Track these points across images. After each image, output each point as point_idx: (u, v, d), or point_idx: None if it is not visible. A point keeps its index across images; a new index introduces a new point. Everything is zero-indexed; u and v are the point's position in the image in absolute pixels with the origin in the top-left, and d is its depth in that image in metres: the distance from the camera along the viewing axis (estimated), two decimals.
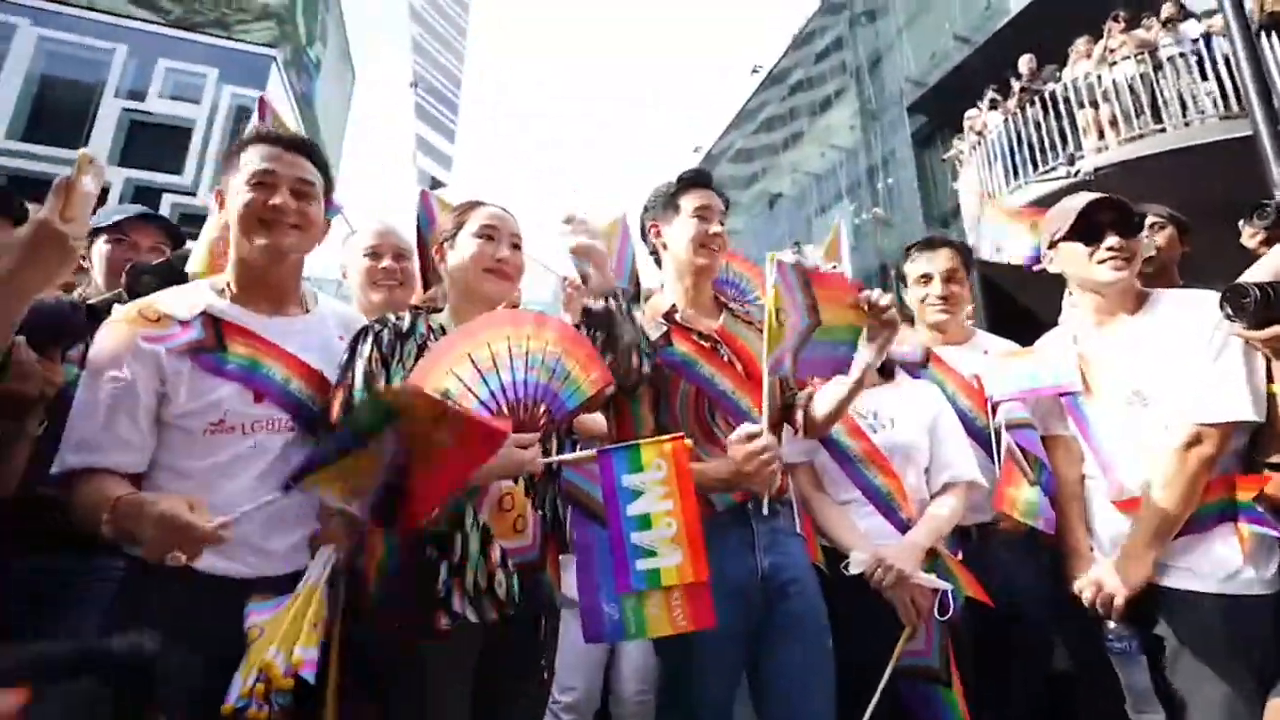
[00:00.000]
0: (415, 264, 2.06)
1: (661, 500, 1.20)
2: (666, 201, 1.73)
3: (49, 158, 17.42)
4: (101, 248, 1.96)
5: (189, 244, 2.17)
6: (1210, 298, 1.54)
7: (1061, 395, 1.71)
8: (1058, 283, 1.83)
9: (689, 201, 1.68)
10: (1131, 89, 6.47)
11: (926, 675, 1.62)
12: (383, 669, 1.24)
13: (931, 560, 1.65)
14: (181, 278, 1.61)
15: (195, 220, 2.10)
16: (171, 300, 1.29)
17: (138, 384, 1.19)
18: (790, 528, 1.60)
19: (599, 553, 1.26)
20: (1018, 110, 7.50)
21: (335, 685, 1.16)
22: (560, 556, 1.42)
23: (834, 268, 3.30)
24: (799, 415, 1.69)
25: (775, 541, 1.54)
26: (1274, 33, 5.38)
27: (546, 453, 1.34)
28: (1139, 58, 6.49)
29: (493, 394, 1.25)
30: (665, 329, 1.63)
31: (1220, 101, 6.00)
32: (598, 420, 1.76)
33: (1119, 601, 1.47)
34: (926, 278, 2.10)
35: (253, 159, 1.31)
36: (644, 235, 1.82)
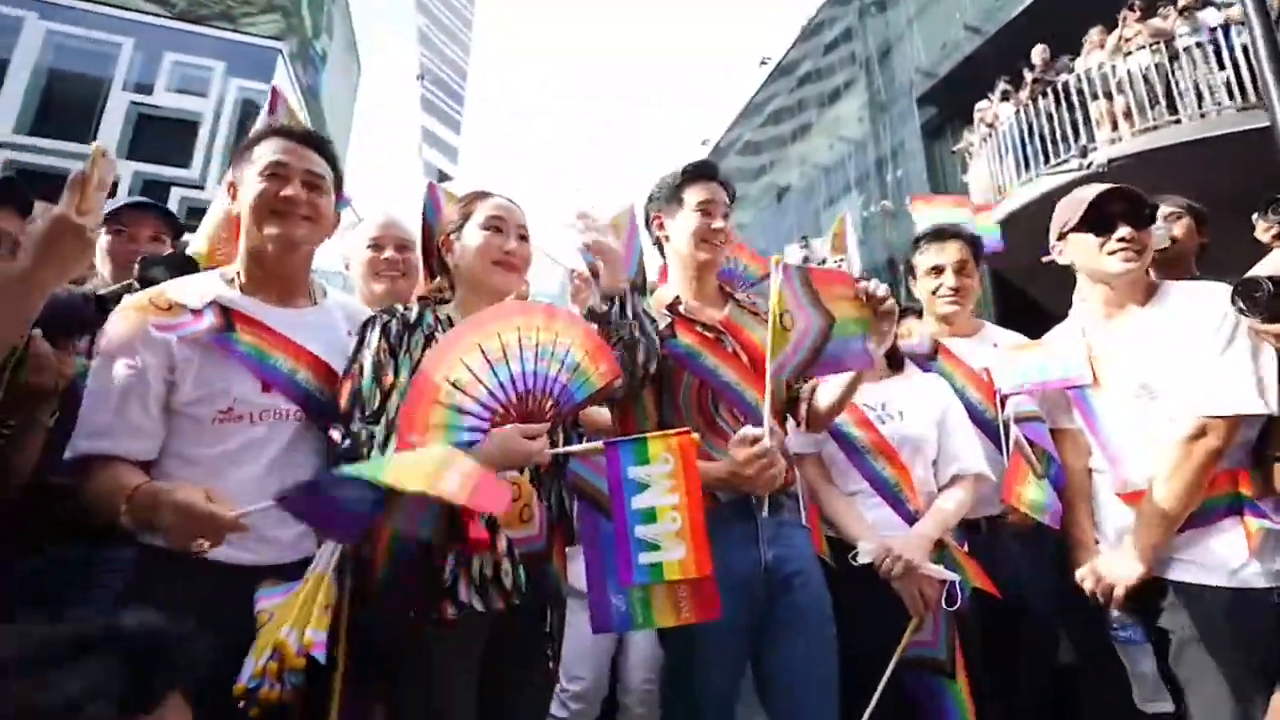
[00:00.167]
0: (418, 255, 2.06)
1: (667, 494, 1.20)
2: (670, 194, 1.72)
3: (57, 151, 17.52)
4: (102, 240, 1.98)
5: (187, 236, 2.18)
6: (1219, 290, 1.52)
7: (1071, 388, 1.69)
8: (1066, 275, 1.81)
9: (692, 195, 1.67)
10: (1146, 79, 6.38)
11: (932, 667, 1.62)
12: (389, 657, 1.25)
13: (939, 552, 1.64)
14: (192, 267, 1.61)
15: (202, 214, 2.11)
16: (182, 289, 1.30)
17: (149, 372, 1.20)
18: (795, 520, 1.60)
19: (605, 545, 1.27)
20: (1029, 101, 7.41)
21: (343, 669, 1.18)
22: (567, 548, 1.43)
23: (839, 262, 3.29)
24: (802, 408, 1.68)
25: (779, 534, 1.53)
26: None
27: (554, 444, 1.34)
28: (1154, 47, 6.40)
29: (501, 384, 1.25)
30: (669, 320, 1.62)
31: (1237, 92, 5.90)
32: (602, 413, 1.76)
33: (1119, 592, 1.47)
34: (938, 269, 2.08)
35: (266, 152, 1.34)
36: (648, 226, 1.81)
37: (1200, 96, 6.12)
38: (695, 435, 1.26)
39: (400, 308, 1.41)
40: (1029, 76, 7.66)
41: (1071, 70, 7.12)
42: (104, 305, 1.43)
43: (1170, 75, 6.29)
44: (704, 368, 1.58)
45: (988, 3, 11.31)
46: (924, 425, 1.80)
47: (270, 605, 1.11)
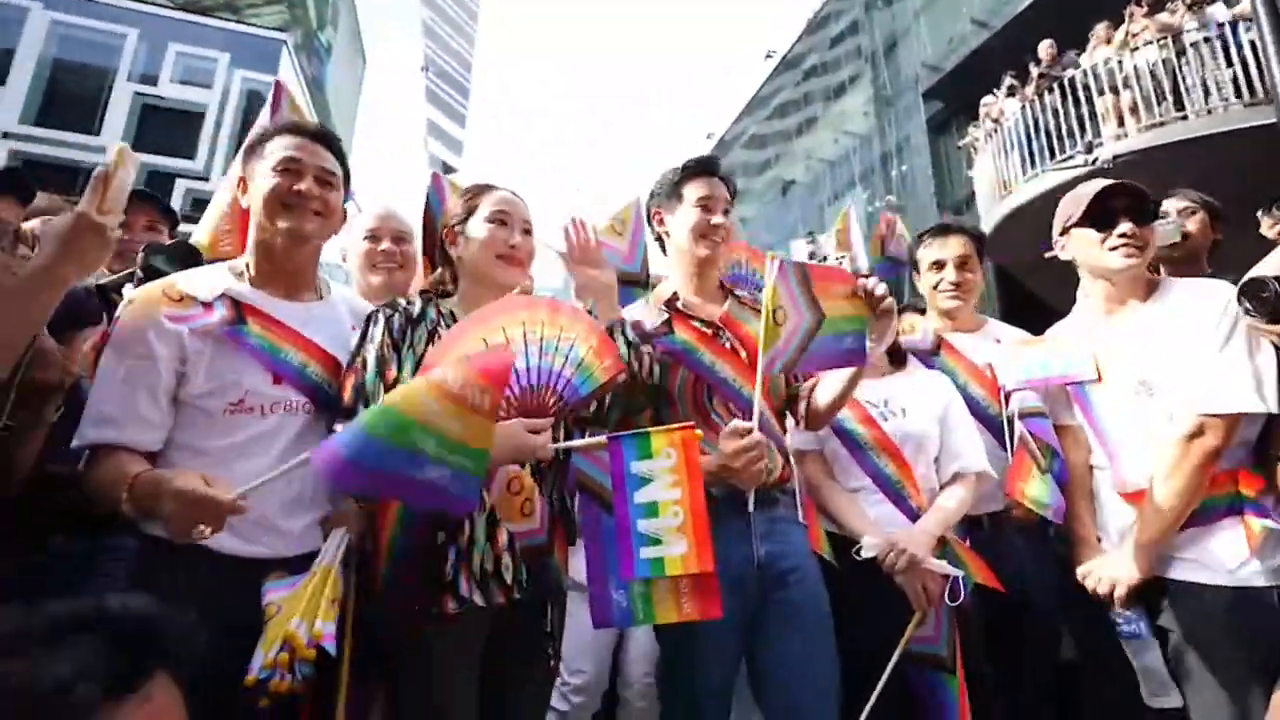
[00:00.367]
0: (415, 247, 2.06)
1: (669, 489, 1.20)
2: (670, 190, 1.72)
3: (63, 142, 17.55)
4: None
5: (189, 227, 2.19)
6: (1220, 287, 1.51)
7: (1075, 384, 1.69)
8: (1069, 272, 1.81)
9: (692, 190, 1.67)
10: (1153, 75, 6.33)
11: (934, 663, 1.63)
12: (391, 651, 1.26)
13: (941, 548, 1.65)
14: (195, 257, 1.62)
15: (206, 205, 2.11)
16: (193, 281, 1.31)
17: (160, 362, 1.21)
18: (791, 516, 1.60)
19: (607, 539, 1.27)
20: (1035, 97, 7.36)
21: (349, 661, 1.19)
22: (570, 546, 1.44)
23: (840, 259, 3.28)
24: (801, 406, 1.68)
25: (773, 530, 1.53)
26: None
27: (556, 439, 1.34)
28: (1161, 42, 6.34)
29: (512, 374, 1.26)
30: (666, 316, 1.62)
31: (1245, 88, 5.86)
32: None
33: (1120, 592, 1.47)
34: (939, 264, 2.08)
35: (279, 147, 1.35)
36: (649, 221, 1.81)
37: (1207, 92, 6.07)
38: (699, 432, 1.27)
39: (403, 302, 1.41)
40: (1035, 71, 7.61)
41: (1078, 65, 7.07)
42: (105, 294, 1.44)
43: (1177, 71, 6.23)
44: (700, 363, 1.58)
45: None
46: (926, 422, 1.80)
47: (278, 598, 1.13)
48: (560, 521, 1.40)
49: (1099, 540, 1.62)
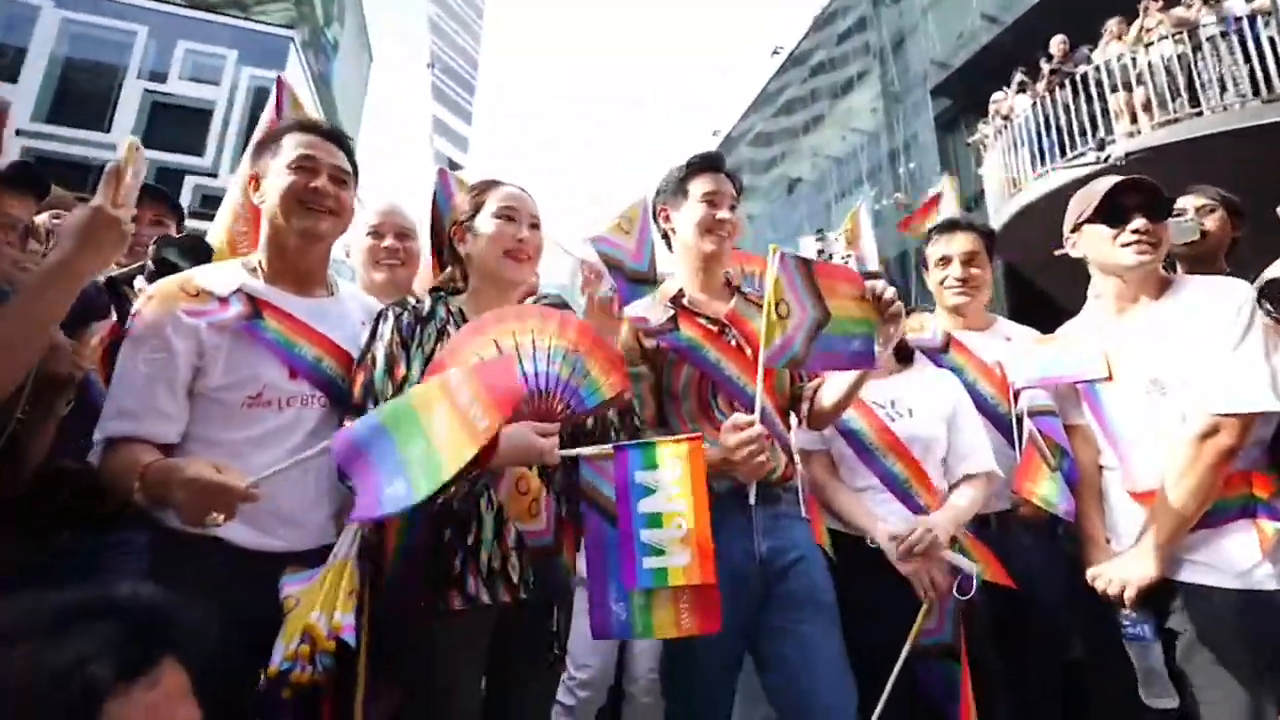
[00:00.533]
0: (418, 243, 2.06)
1: (673, 500, 1.20)
2: (676, 186, 1.71)
3: (74, 139, 17.69)
4: None
5: (202, 225, 2.19)
6: (1235, 284, 1.49)
7: (1085, 383, 1.68)
8: (1079, 270, 1.79)
9: (698, 186, 1.66)
10: (1168, 70, 6.26)
11: (941, 653, 1.62)
12: (398, 645, 1.27)
13: (953, 542, 1.64)
14: (205, 250, 1.63)
15: (215, 202, 2.12)
16: (209, 277, 1.33)
17: (178, 356, 1.22)
18: (794, 513, 1.59)
19: (609, 550, 1.27)
20: (1046, 93, 7.30)
21: (365, 653, 1.20)
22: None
23: (845, 258, 3.26)
24: (805, 406, 1.67)
25: (776, 526, 1.53)
26: None
27: (563, 446, 1.34)
28: (1177, 37, 6.27)
29: (521, 378, 1.27)
30: (672, 313, 1.61)
31: (1263, 84, 5.78)
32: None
33: (1130, 594, 1.45)
34: (945, 260, 2.07)
35: (293, 144, 1.36)
36: (655, 220, 1.80)
37: (1224, 88, 6.00)
38: (705, 444, 1.26)
39: (412, 300, 1.42)
40: (1046, 67, 7.53)
41: (1090, 61, 7.00)
42: (115, 287, 1.45)
43: (1193, 66, 6.16)
44: (705, 360, 1.57)
45: None
46: (933, 423, 1.79)
47: (296, 591, 1.13)
48: (570, 523, 1.40)
49: (1108, 541, 1.61)
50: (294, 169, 1.34)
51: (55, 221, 1.67)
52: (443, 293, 1.50)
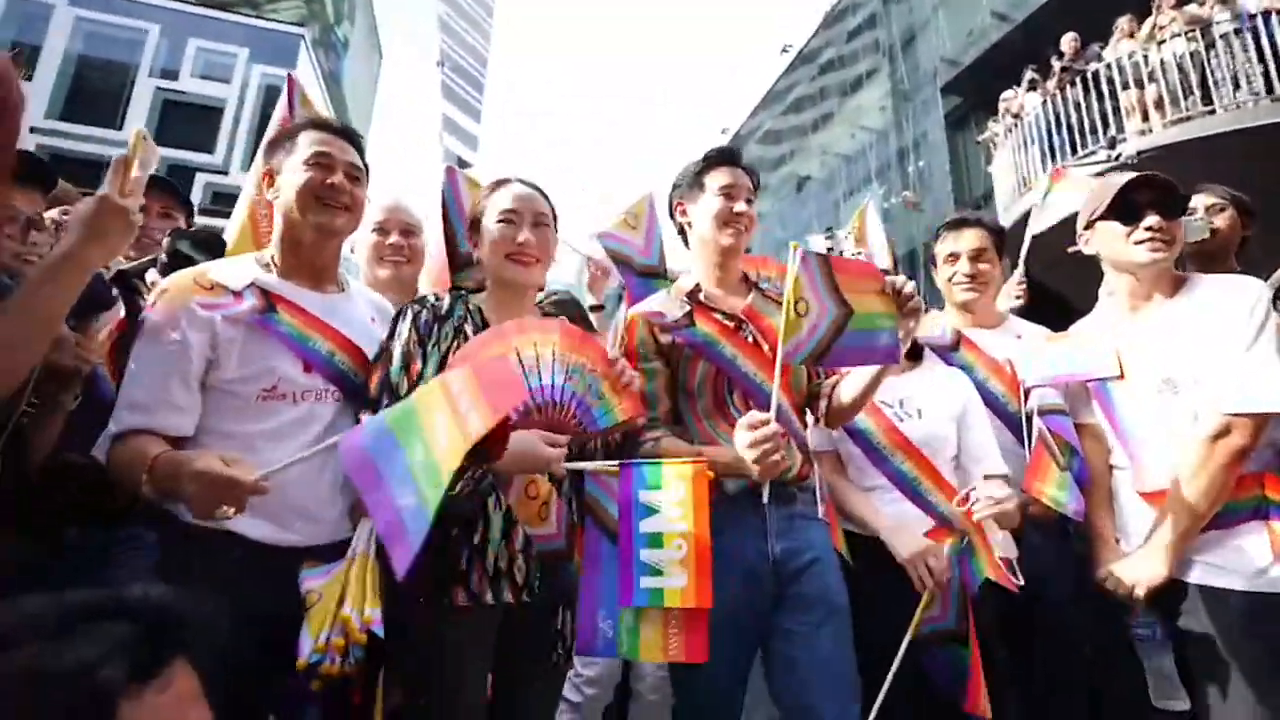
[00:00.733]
0: (423, 240, 2.06)
1: (675, 521, 1.20)
2: (692, 180, 1.70)
3: (87, 137, 17.83)
4: None
5: (201, 219, 2.20)
6: (1249, 283, 1.48)
7: (1097, 381, 1.67)
8: (1088, 269, 1.78)
9: (714, 179, 1.65)
10: (1180, 68, 6.19)
11: (946, 639, 1.60)
12: (405, 642, 1.27)
13: (961, 538, 1.63)
14: (218, 243, 1.64)
15: (226, 199, 2.13)
16: (223, 271, 1.34)
17: (192, 349, 1.23)
18: (810, 513, 1.58)
19: (606, 568, 1.27)
20: (1057, 91, 7.23)
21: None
22: None
23: (857, 255, 3.24)
24: (822, 404, 1.66)
25: (791, 527, 1.51)
26: None
27: (573, 460, 1.35)
28: (1189, 35, 6.20)
29: (530, 389, 1.29)
30: (688, 308, 1.60)
31: (1276, 82, 5.71)
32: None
33: (1139, 594, 1.45)
34: (954, 256, 2.06)
35: (308, 142, 1.38)
36: (671, 214, 1.79)
37: (1236, 86, 5.92)
38: (706, 420, 1.25)
39: (432, 298, 1.43)
40: (1057, 65, 7.47)
41: (1101, 59, 6.93)
42: (126, 280, 1.46)
43: (1205, 64, 6.09)
44: (721, 356, 1.56)
45: None
46: (943, 423, 1.78)
47: (317, 585, 1.14)
48: (582, 528, 1.40)
49: (1118, 541, 1.60)
50: (310, 165, 1.35)
51: (63, 216, 1.68)
52: (463, 291, 1.51)
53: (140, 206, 1.96)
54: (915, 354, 1.91)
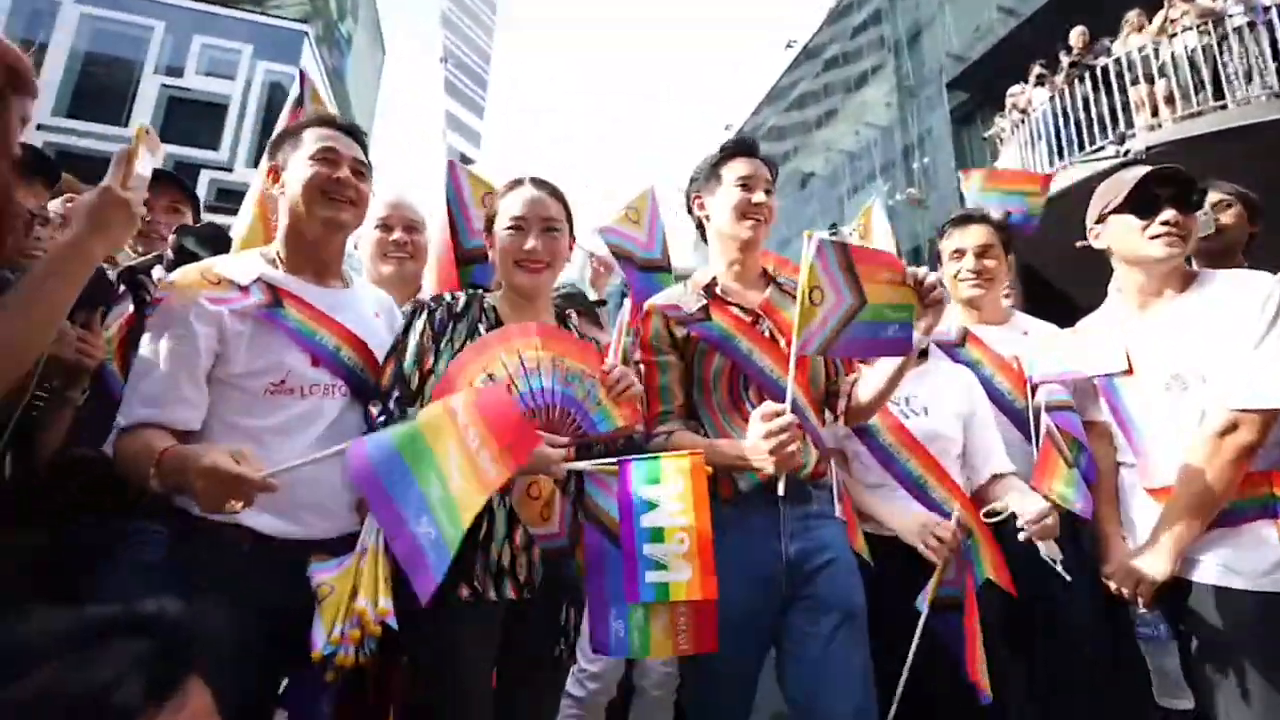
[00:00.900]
0: (426, 237, 2.06)
1: (676, 516, 1.20)
2: (709, 172, 1.68)
3: (92, 133, 17.90)
4: None
5: (207, 215, 2.20)
6: (1260, 278, 1.46)
7: (1105, 377, 1.65)
8: (1095, 266, 1.76)
9: (731, 170, 1.63)
10: (1191, 62, 6.13)
11: (951, 605, 1.59)
12: (411, 635, 1.27)
13: (967, 536, 1.62)
14: (224, 239, 1.65)
15: (231, 195, 2.13)
16: (229, 266, 1.34)
17: (200, 343, 1.24)
18: (828, 511, 1.55)
19: (611, 568, 1.27)
20: (1065, 86, 7.17)
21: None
22: None
23: None
24: (841, 402, 1.63)
25: (806, 527, 1.49)
26: None
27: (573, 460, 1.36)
28: (1201, 28, 6.13)
29: (532, 391, 1.32)
30: (704, 301, 1.59)
31: None
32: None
33: (1144, 592, 1.44)
34: (959, 253, 2.05)
35: (315, 138, 1.39)
36: (689, 209, 1.77)
37: (1249, 80, 5.86)
38: (719, 414, 1.24)
39: (448, 296, 1.46)
40: (1065, 60, 7.41)
41: (1110, 53, 6.87)
42: (134, 276, 1.46)
43: (1217, 58, 6.03)
44: (737, 350, 1.54)
45: None
46: (949, 422, 1.77)
47: (328, 578, 1.15)
48: (584, 526, 1.40)
49: (1124, 538, 1.59)
50: (316, 160, 1.36)
51: (68, 206, 1.67)
52: (479, 291, 1.52)
53: (145, 201, 1.96)
54: (921, 351, 1.89)
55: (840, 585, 1.46)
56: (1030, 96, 7.89)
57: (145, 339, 1.26)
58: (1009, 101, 8.33)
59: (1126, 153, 6.28)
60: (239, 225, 1.98)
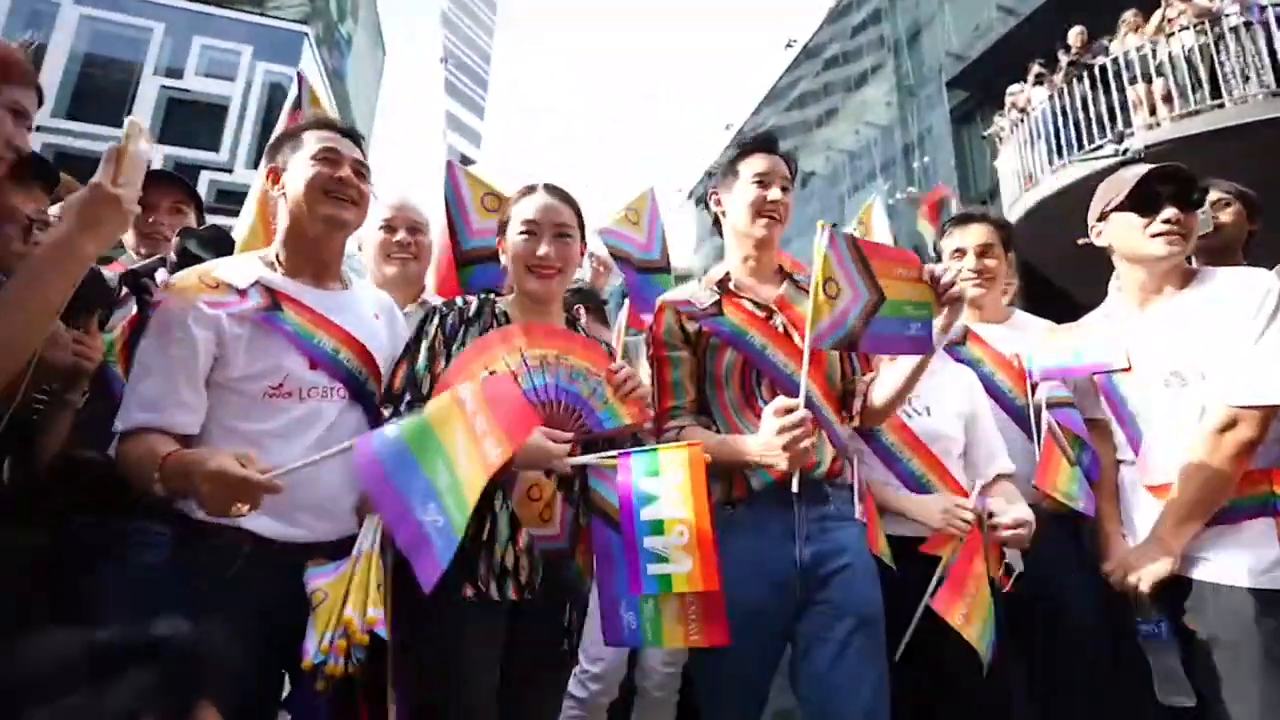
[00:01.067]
0: (430, 238, 2.06)
1: (676, 507, 1.20)
2: (727, 168, 1.67)
3: (92, 135, 17.89)
4: None
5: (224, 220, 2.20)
6: (1261, 275, 1.47)
7: (1105, 374, 1.65)
8: (1094, 264, 1.76)
9: (748, 167, 1.62)
10: (1189, 62, 6.13)
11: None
12: (418, 635, 1.29)
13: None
14: (227, 241, 1.65)
15: (231, 197, 2.13)
16: (228, 269, 1.34)
17: (198, 347, 1.24)
18: (847, 512, 1.51)
19: (618, 559, 1.27)
20: (1064, 85, 7.18)
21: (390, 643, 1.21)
22: None
23: None
24: (857, 402, 1.60)
25: (823, 529, 1.45)
26: None
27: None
28: (1199, 27, 6.14)
29: (534, 389, 1.33)
30: (717, 297, 1.58)
31: None
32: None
33: (1144, 588, 1.44)
34: (960, 252, 2.05)
35: (315, 139, 1.40)
36: (707, 204, 1.76)
37: (1246, 80, 5.87)
38: (731, 409, 1.26)
39: (459, 301, 1.47)
40: (1064, 59, 7.41)
41: (1108, 53, 6.87)
42: (136, 279, 1.46)
43: (1214, 58, 6.03)
44: (750, 346, 1.53)
45: None
46: (951, 422, 1.76)
47: (323, 584, 1.15)
48: (586, 530, 1.40)
49: (1124, 536, 1.59)
50: (318, 160, 1.37)
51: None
52: (492, 295, 1.52)
53: (142, 200, 1.94)
54: None
55: (856, 590, 1.42)
56: (1029, 96, 7.89)
57: (144, 343, 1.26)
58: (1008, 100, 8.34)
59: (1125, 151, 6.29)
60: (240, 227, 1.99)
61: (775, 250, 1.68)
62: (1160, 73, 6.31)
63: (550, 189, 1.51)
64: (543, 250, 1.43)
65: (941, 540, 1.58)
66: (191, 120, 19.47)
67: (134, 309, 1.55)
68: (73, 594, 1.47)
